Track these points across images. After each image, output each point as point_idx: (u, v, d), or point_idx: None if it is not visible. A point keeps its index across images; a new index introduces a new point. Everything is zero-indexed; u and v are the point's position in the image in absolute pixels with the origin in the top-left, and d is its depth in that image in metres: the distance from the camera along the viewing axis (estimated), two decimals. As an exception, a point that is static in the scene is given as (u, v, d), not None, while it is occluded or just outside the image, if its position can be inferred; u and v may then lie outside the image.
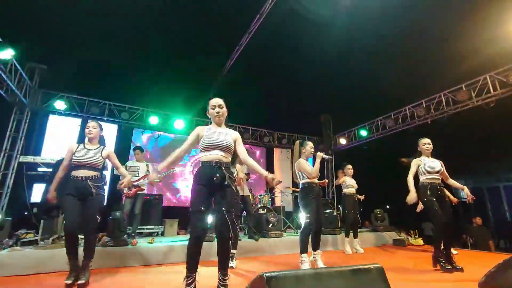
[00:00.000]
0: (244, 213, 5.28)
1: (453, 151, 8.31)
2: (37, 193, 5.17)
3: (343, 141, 9.52)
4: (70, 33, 5.83)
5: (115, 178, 5.00)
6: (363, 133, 8.71)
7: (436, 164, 3.33)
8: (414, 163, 3.41)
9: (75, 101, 6.81)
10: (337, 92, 8.32)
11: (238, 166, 3.89)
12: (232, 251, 3.40)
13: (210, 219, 4.91)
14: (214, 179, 2.17)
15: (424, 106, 6.95)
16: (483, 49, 5.91)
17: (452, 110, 6.49)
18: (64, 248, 2.64)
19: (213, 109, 2.37)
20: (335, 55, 6.65)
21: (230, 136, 2.36)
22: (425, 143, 3.44)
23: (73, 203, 2.58)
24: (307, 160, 3.49)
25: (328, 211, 5.85)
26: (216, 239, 2.20)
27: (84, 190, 2.63)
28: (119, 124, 7.33)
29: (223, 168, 2.23)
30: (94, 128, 2.89)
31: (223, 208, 2.13)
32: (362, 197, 5.23)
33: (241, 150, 2.37)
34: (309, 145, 3.49)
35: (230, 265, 3.27)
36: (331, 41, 6.28)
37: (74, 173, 2.67)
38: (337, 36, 6.11)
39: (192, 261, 2.09)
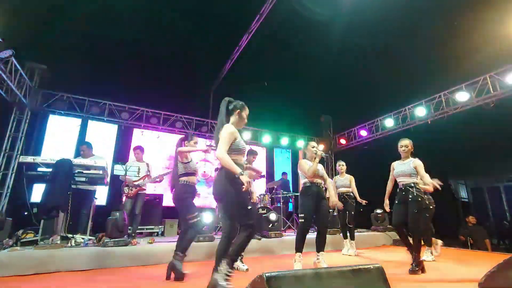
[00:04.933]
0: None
1: (453, 151, 8.33)
2: (37, 193, 5.17)
3: (343, 141, 9.52)
4: (70, 33, 5.83)
5: (115, 178, 4.98)
6: (363, 133, 8.70)
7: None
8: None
9: (75, 101, 6.80)
10: (337, 92, 8.34)
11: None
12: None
13: (208, 218, 4.96)
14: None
15: (424, 106, 6.95)
16: (483, 49, 5.91)
17: (452, 110, 6.49)
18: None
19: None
20: (335, 56, 6.66)
21: None
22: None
23: None
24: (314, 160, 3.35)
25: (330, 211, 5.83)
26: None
27: None
28: (119, 124, 7.32)
29: None
30: None
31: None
32: (364, 201, 4.75)
33: None
34: (310, 145, 3.44)
35: (243, 268, 3.23)
36: (331, 42, 6.30)
37: None
38: (337, 36, 6.12)
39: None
